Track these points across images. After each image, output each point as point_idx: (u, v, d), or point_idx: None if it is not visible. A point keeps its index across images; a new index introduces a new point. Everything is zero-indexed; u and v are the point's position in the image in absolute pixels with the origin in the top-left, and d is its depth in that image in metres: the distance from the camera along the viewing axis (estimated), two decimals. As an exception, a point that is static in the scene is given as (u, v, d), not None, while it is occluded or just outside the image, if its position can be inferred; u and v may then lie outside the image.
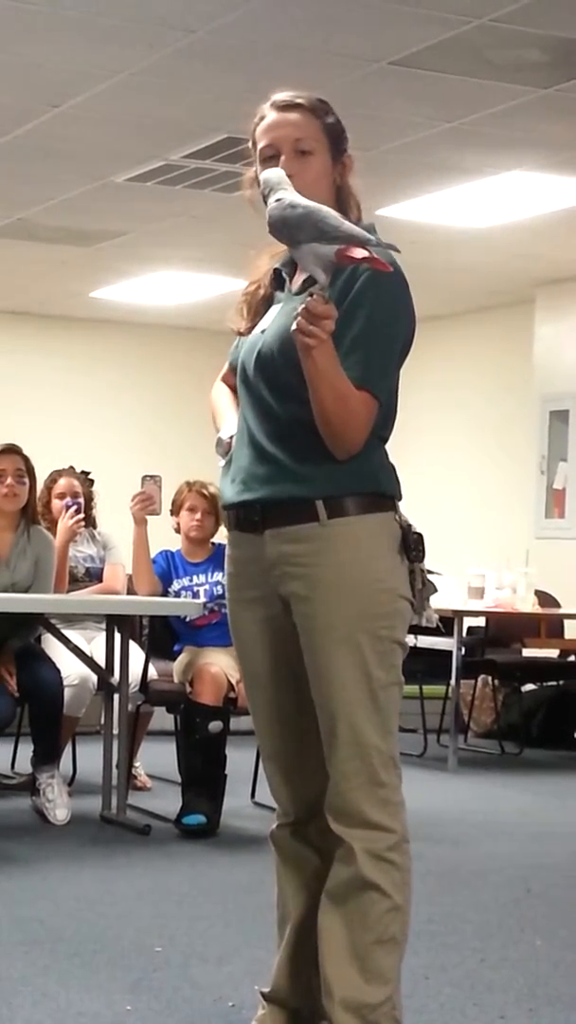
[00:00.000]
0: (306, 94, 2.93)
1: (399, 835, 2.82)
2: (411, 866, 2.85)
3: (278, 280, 2.97)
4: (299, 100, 2.91)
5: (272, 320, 2.90)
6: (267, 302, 2.98)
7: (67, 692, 5.91)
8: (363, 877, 2.79)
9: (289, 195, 2.72)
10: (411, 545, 2.87)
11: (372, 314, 2.77)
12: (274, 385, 2.84)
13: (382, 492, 2.86)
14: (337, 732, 2.81)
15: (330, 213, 2.68)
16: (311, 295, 2.63)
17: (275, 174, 2.78)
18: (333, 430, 2.75)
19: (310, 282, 2.85)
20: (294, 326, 2.63)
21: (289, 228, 2.69)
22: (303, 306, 2.62)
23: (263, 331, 2.90)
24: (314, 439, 2.78)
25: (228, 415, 3.06)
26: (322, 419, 2.74)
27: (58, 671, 5.89)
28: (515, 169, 7.19)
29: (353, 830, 2.80)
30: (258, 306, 2.98)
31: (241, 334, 3.00)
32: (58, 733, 5.91)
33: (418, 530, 2.90)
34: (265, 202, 2.76)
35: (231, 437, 2.98)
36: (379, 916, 2.79)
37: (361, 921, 2.79)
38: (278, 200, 2.72)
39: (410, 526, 2.89)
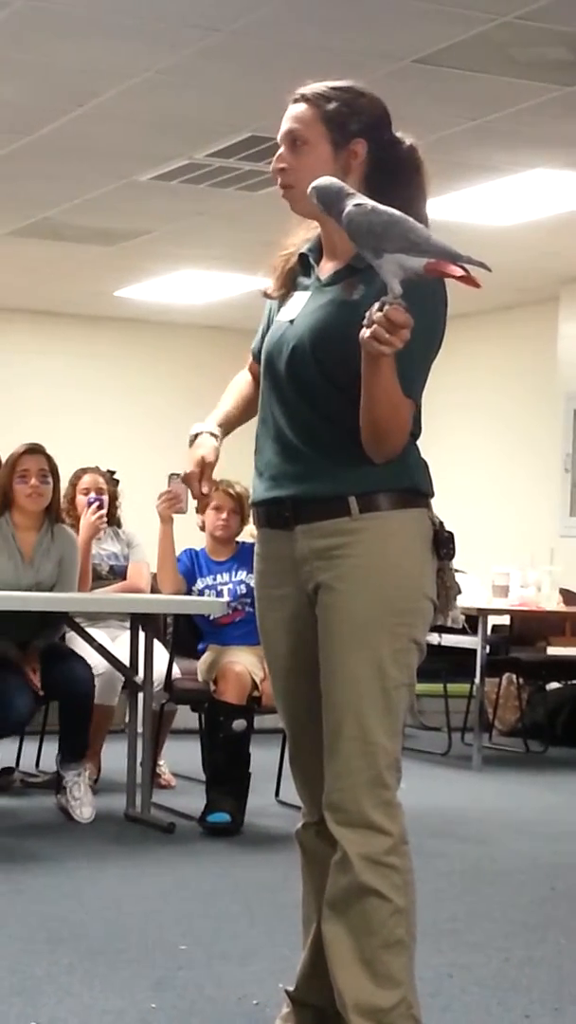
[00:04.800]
0: (314, 85, 2.88)
1: (396, 837, 2.78)
2: (411, 867, 2.81)
3: (303, 264, 2.93)
4: (303, 92, 2.87)
5: (301, 311, 2.85)
6: (292, 277, 2.94)
7: (97, 681, 5.91)
8: (362, 884, 2.75)
9: (368, 200, 2.62)
10: (442, 543, 2.86)
11: (415, 322, 2.67)
12: (305, 382, 2.81)
13: (416, 488, 2.84)
14: (344, 727, 2.77)
15: (415, 223, 2.60)
16: (387, 304, 2.53)
17: (332, 180, 2.67)
18: (380, 437, 2.72)
19: (344, 273, 2.83)
20: (367, 333, 2.53)
21: (375, 236, 2.58)
22: (381, 314, 2.52)
23: (291, 321, 2.86)
24: (345, 436, 2.75)
25: (220, 410, 3.04)
26: (372, 426, 2.70)
27: (90, 668, 5.89)
28: (539, 167, 7.18)
29: (350, 831, 2.76)
30: (285, 277, 2.95)
31: (268, 296, 2.97)
32: (87, 731, 5.90)
33: (450, 529, 2.88)
34: (329, 210, 2.65)
35: (198, 434, 2.96)
36: (383, 921, 2.76)
37: (365, 927, 2.76)
38: (358, 205, 2.61)
39: (442, 524, 2.87)
